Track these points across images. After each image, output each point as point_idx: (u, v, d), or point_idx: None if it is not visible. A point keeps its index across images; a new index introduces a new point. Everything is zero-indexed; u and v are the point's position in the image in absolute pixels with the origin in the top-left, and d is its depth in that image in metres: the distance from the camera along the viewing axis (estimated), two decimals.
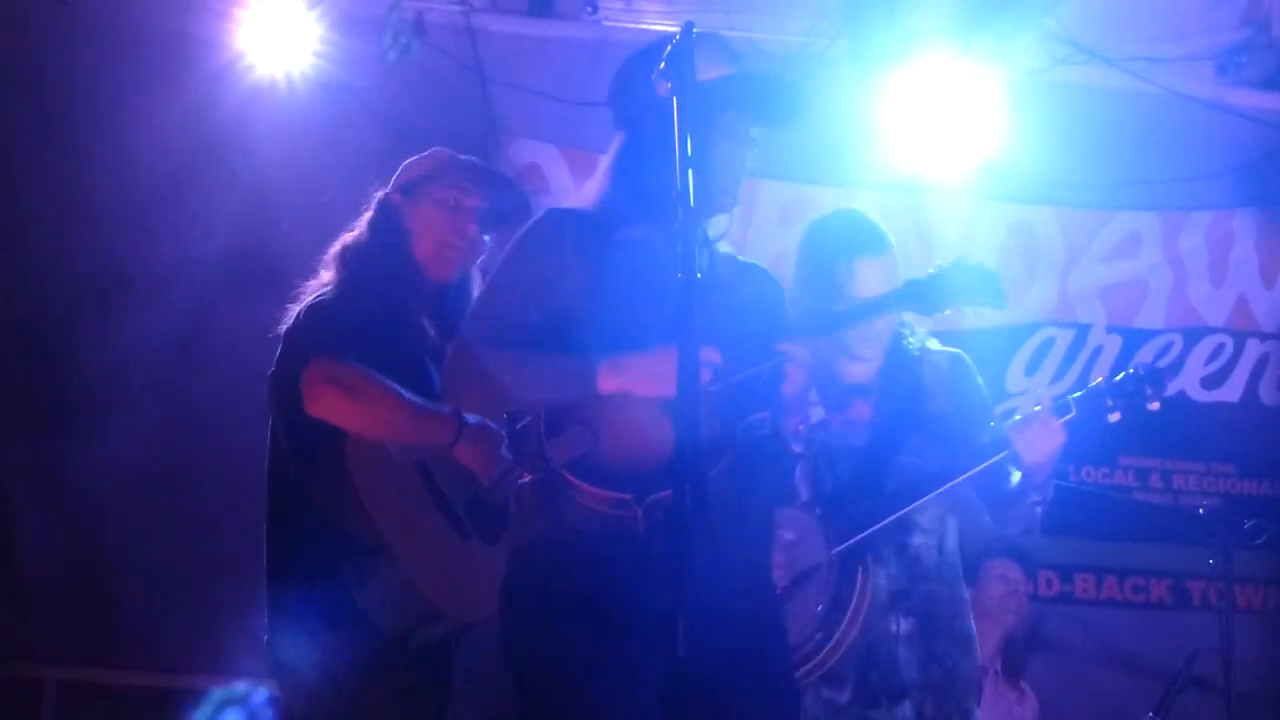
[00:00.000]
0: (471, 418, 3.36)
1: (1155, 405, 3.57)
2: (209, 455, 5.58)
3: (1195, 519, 5.16)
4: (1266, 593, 5.95)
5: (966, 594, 3.74)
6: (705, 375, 2.76)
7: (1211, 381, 6.14)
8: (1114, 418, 3.54)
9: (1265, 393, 6.13)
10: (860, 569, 3.54)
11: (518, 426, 3.05)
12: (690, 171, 2.56)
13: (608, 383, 2.86)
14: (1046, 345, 6.06)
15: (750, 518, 3.00)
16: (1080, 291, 6.15)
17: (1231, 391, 6.12)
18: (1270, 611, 5.94)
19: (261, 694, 5.12)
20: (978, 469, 3.52)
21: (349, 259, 3.63)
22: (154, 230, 5.72)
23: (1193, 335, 6.14)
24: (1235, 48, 6.05)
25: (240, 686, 5.18)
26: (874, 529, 3.53)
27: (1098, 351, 6.10)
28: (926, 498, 3.55)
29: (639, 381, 2.79)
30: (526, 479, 2.94)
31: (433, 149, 3.83)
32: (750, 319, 2.99)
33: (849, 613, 3.50)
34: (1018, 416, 3.52)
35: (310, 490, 3.39)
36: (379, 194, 3.73)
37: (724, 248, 3.17)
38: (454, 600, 3.35)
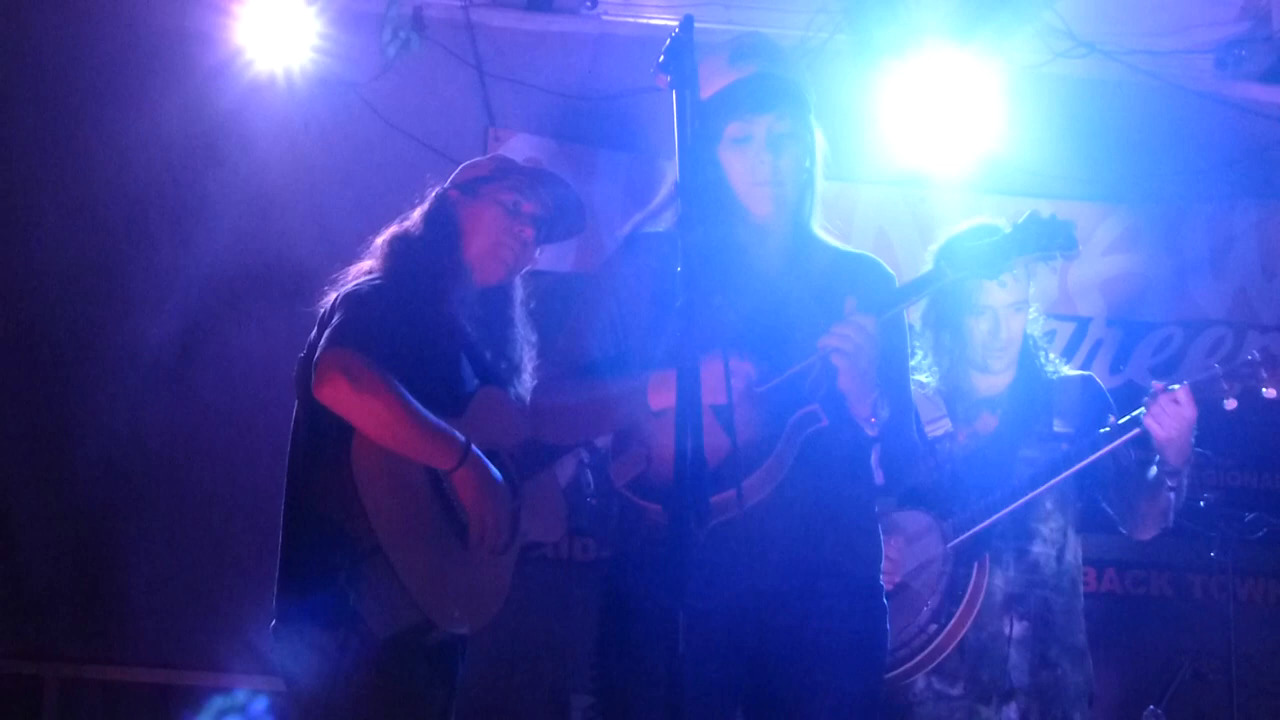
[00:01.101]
0: (482, 455, 3.34)
1: (1271, 392, 3.53)
2: (210, 452, 5.58)
3: (1196, 512, 5.16)
4: (1268, 586, 5.94)
5: (1082, 608, 3.75)
6: (739, 382, 2.81)
7: None
8: (1230, 404, 3.51)
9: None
10: (976, 564, 3.57)
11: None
12: (691, 167, 2.57)
13: (657, 399, 2.89)
14: (1047, 338, 6.02)
15: (820, 510, 3.00)
16: (1081, 284, 6.14)
17: None
18: (1271, 604, 5.94)
19: (262, 701, 5.12)
20: (1107, 448, 3.52)
21: (396, 249, 3.58)
22: (153, 227, 5.72)
23: (1193, 328, 6.13)
24: (1235, 41, 6.04)
25: (240, 693, 5.18)
26: (990, 520, 3.59)
27: (1098, 344, 6.09)
28: (1044, 486, 3.58)
29: None
30: (594, 502, 3.00)
31: (495, 153, 3.81)
32: (817, 313, 2.95)
33: (962, 605, 3.54)
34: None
35: (316, 483, 3.38)
36: (435, 190, 3.69)
37: (828, 239, 3.18)
38: (447, 609, 3.31)
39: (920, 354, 3.85)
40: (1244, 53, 6.04)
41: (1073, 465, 3.56)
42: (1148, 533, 3.75)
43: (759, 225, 3.07)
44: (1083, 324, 6.13)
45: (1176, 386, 3.45)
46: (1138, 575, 5.95)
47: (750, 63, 3.04)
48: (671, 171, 3.10)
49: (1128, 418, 3.53)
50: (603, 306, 3.10)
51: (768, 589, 2.92)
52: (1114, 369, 6.04)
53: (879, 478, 3.20)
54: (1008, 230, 3.03)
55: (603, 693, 3.08)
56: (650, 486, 2.93)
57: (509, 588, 3.48)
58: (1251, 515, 5.05)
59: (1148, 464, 3.58)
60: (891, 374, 3.04)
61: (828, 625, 2.97)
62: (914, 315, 3.86)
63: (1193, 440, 3.52)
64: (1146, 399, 3.46)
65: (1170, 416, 3.43)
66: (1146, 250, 6.17)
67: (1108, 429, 3.57)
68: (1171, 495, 3.59)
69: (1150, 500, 3.63)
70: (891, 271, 3.23)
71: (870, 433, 2.99)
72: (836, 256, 3.19)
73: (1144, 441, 3.50)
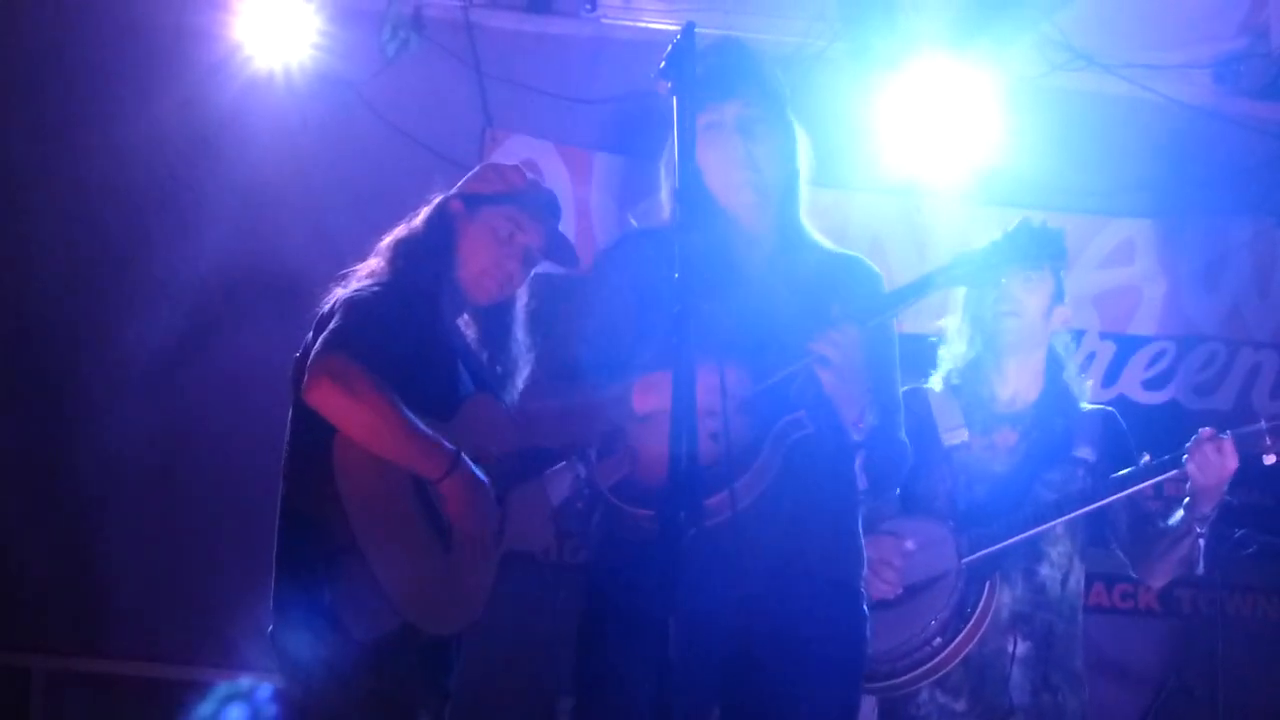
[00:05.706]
0: (471, 465, 3.32)
1: None
2: (203, 446, 5.57)
3: None
4: (1255, 601, 5.95)
5: (1081, 634, 3.76)
6: (733, 390, 2.80)
7: (1204, 389, 6.13)
8: (1269, 460, 3.56)
9: (1257, 401, 6.12)
10: (988, 583, 3.58)
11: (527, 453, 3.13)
12: (688, 171, 2.58)
13: (642, 402, 2.89)
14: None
15: (804, 516, 3.00)
16: (1074, 297, 6.05)
17: (1224, 400, 6.11)
18: (1259, 620, 5.94)
19: (265, 689, 5.10)
20: (1146, 483, 3.56)
21: (399, 253, 3.57)
22: (150, 226, 5.70)
23: (1186, 343, 6.14)
24: (1233, 56, 6.05)
25: (245, 681, 5.17)
26: (1011, 540, 3.59)
27: (1090, 358, 6.08)
28: (1074, 513, 3.60)
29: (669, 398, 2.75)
30: (581, 505, 3.01)
31: (515, 165, 3.79)
32: (804, 316, 2.96)
33: (971, 623, 3.55)
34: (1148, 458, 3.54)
35: (300, 483, 3.38)
36: (439, 196, 3.67)
37: (817, 238, 3.19)
38: (423, 611, 3.29)
39: (944, 357, 3.86)
40: (1242, 68, 6.05)
41: (1104, 498, 3.57)
42: (1161, 580, 3.77)
43: (745, 227, 3.08)
44: (1076, 336, 6.10)
45: (1224, 436, 3.47)
46: (1126, 589, 5.95)
47: (716, 55, 3.05)
48: (664, 173, 3.12)
49: (1167, 457, 3.53)
50: (593, 308, 3.10)
51: (749, 594, 2.93)
52: (1106, 382, 6.04)
53: (863, 483, 3.22)
54: (998, 238, 3.05)
55: (583, 696, 3.09)
56: (635, 491, 2.93)
57: (490, 592, 3.47)
58: (1241, 531, 5.04)
59: (1167, 512, 3.59)
60: (879, 380, 3.05)
61: (809, 630, 2.98)
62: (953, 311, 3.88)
63: (1225, 490, 3.55)
64: (1190, 443, 3.48)
65: (1213, 465, 3.45)
66: (1141, 264, 6.18)
67: (1146, 464, 3.56)
68: (1201, 542, 3.61)
69: (1173, 546, 3.64)
70: (878, 271, 3.23)
71: (856, 437, 3.00)
72: (824, 257, 3.19)
73: (1161, 488, 3.52)
